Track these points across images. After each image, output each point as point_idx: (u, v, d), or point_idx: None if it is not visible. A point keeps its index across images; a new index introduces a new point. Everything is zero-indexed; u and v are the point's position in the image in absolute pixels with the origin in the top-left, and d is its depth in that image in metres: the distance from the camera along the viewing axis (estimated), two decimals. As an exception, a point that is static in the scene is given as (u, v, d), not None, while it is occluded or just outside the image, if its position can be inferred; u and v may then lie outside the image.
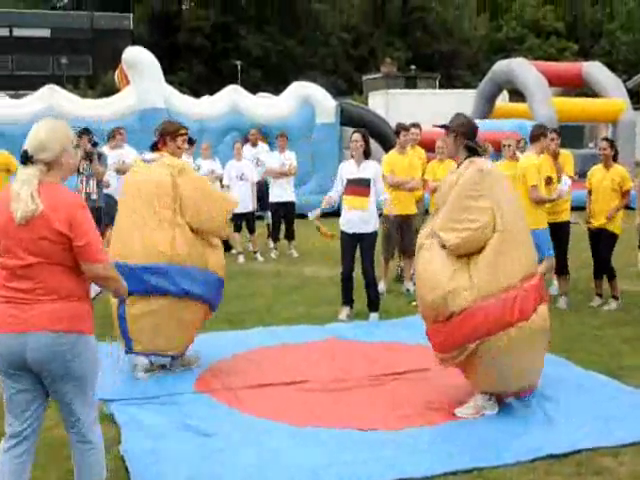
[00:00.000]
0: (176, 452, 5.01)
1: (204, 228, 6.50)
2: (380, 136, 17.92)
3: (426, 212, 9.61)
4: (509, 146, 9.97)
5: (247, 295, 9.78)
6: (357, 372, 6.67)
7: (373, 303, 8.68)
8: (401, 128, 10.03)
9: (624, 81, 27.03)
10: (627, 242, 10.10)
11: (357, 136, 8.53)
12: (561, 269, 9.37)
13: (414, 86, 47.95)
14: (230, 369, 6.81)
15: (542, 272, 8.42)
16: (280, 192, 12.97)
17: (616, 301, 9.17)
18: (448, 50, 65.05)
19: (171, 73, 43.78)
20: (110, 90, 29.55)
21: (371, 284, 8.66)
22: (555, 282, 9.70)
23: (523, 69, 21.16)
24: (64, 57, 54.21)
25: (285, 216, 13.11)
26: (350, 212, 8.50)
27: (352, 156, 8.63)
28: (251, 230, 12.79)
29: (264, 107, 19.20)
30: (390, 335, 7.87)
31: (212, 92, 20.64)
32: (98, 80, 52.34)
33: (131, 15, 61.30)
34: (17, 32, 58.87)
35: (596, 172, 9.30)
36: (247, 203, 12.28)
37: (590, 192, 9.28)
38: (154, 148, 6.67)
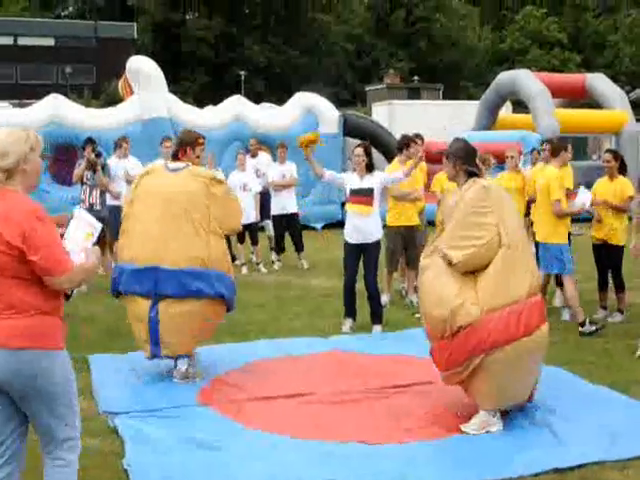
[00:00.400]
0: (180, 466, 4.98)
1: (222, 228, 6.81)
2: (383, 147, 17.93)
3: (429, 223, 9.57)
4: (512, 157, 9.98)
5: (250, 307, 9.74)
6: (360, 385, 6.64)
7: (376, 315, 8.66)
8: (410, 140, 9.93)
9: (627, 92, 27.05)
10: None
11: (359, 151, 8.53)
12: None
13: (417, 97, 47.90)
14: (233, 381, 6.79)
15: (572, 289, 8.48)
16: (282, 204, 12.91)
17: (621, 314, 9.14)
18: (451, 61, 65.12)
19: (175, 83, 43.87)
20: (114, 99, 29.61)
21: (374, 296, 8.64)
22: (558, 294, 9.68)
23: (527, 80, 21.16)
24: (68, 66, 54.26)
25: (289, 228, 13.05)
26: (354, 218, 8.50)
27: (354, 169, 8.63)
28: (254, 241, 12.77)
29: (267, 117, 19.20)
30: (394, 347, 7.85)
31: (215, 102, 20.63)
32: (102, 89, 52.44)
33: (135, 25, 61.45)
34: (21, 41, 59.02)
35: (601, 184, 9.27)
36: (250, 214, 12.26)
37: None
38: (175, 157, 6.90)
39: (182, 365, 6.76)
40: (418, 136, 10.62)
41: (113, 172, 11.30)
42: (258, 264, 12.78)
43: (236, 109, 18.76)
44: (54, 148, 16.66)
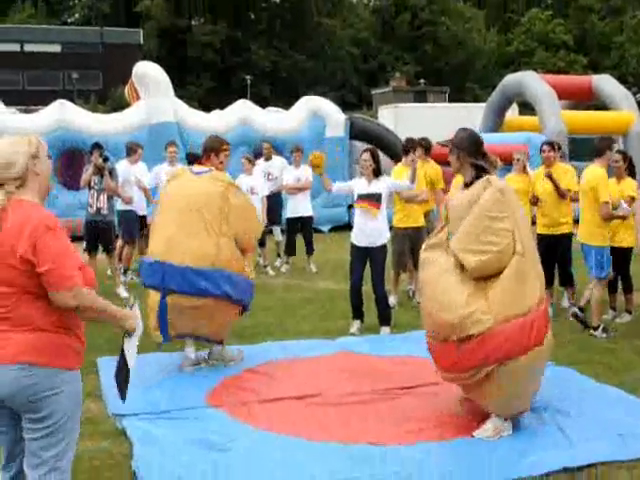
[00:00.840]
0: (189, 467, 4.98)
1: (238, 239, 7.03)
2: (389, 150, 17.94)
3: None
4: (519, 160, 9.97)
5: (258, 309, 9.69)
6: (368, 386, 6.64)
7: (384, 317, 8.66)
8: (415, 144, 9.97)
9: (634, 94, 27.01)
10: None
11: (366, 155, 8.54)
12: (567, 281, 9.40)
13: (424, 100, 47.95)
14: (241, 383, 6.80)
15: (599, 294, 8.44)
16: (296, 207, 12.94)
17: (629, 315, 9.13)
18: (457, 64, 65.12)
19: (181, 88, 43.97)
20: (120, 105, 29.70)
21: (381, 299, 8.63)
22: (566, 295, 9.68)
23: (533, 82, 21.14)
24: (75, 72, 54.45)
25: (302, 230, 13.06)
26: (361, 220, 8.51)
27: (361, 174, 8.64)
28: (262, 244, 12.77)
29: (274, 121, 19.23)
30: (401, 349, 7.83)
31: (221, 106, 20.67)
32: (108, 95, 52.59)
33: (141, 31, 61.61)
34: (28, 47, 59.17)
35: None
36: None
37: None
38: (198, 162, 7.36)
39: (190, 353, 7.22)
40: (425, 140, 10.64)
41: (124, 177, 11.36)
42: (265, 267, 12.79)
43: (242, 113, 18.79)
44: (61, 153, 16.74)
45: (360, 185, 8.59)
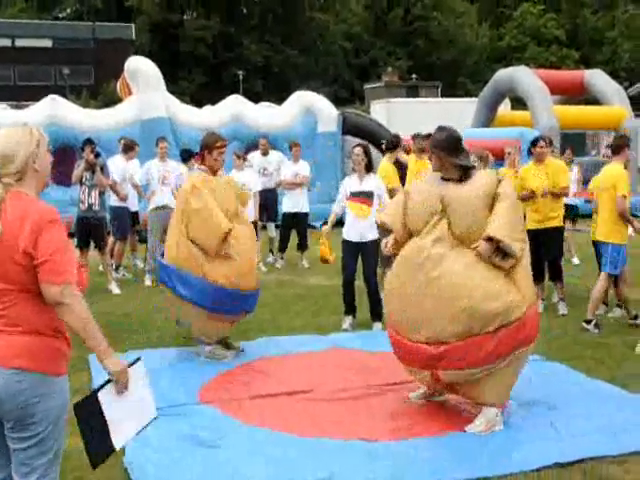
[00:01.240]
0: (181, 464, 4.99)
1: (198, 243, 7.10)
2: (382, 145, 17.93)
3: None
4: (509, 154, 10.01)
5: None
6: (360, 382, 6.65)
7: (376, 312, 8.66)
8: (400, 140, 10.16)
9: (626, 88, 27.04)
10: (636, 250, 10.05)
11: (358, 150, 8.55)
12: (557, 275, 9.43)
13: (416, 95, 47.94)
14: (234, 380, 6.80)
15: (602, 289, 8.50)
16: (293, 202, 12.88)
17: (621, 309, 9.14)
18: (450, 59, 65.11)
19: (173, 83, 43.84)
20: (112, 100, 29.59)
21: (373, 294, 8.64)
22: (555, 290, 9.69)
23: (525, 77, 21.15)
24: (66, 67, 54.23)
25: (297, 227, 13.02)
26: (353, 219, 8.51)
27: (354, 170, 8.65)
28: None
29: (267, 116, 19.20)
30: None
31: (214, 102, 20.63)
32: (100, 90, 52.43)
33: (133, 25, 61.43)
34: (19, 43, 58.98)
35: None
36: (250, 213, 12.22)
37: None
38: (196, 159, 7.69)
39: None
40: (419, 135, 10.73)
41: (120, 174, 11.36)
42: (258, 263, 12.74)
43: (235, 108, 18.76)
44: (53, 149, 16.67)
45: (352, 183, 8.60)
